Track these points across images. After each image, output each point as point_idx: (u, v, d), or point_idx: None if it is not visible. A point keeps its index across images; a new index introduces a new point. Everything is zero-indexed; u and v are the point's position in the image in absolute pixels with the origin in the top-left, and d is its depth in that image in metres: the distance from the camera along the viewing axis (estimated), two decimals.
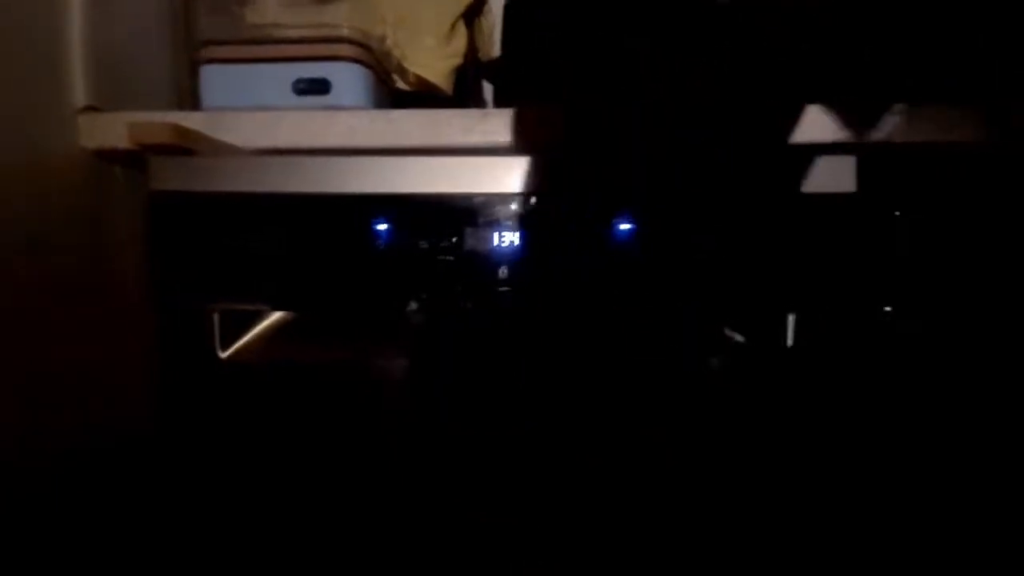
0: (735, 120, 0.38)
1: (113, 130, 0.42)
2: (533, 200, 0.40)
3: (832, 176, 0.41)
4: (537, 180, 0.40)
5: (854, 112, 0.42)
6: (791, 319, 0.43)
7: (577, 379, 0.39)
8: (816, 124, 0.43)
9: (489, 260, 0.41)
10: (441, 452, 0.42)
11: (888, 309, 0.44)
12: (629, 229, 0.41)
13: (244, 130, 0.44)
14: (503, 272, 0.41)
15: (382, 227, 0.41)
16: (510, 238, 0.41)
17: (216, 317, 0.42)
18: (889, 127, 0.42)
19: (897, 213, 0.43)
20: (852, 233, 0.41)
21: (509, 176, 0.40)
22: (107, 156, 0.44)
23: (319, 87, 0.48)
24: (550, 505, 0.43)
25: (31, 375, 0.39)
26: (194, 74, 0.50)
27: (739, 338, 0.46)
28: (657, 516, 0.43)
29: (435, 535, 0.43)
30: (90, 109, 0.43)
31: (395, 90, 0.56)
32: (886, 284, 0.44)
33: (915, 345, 0.43)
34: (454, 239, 0.40)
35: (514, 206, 0.41)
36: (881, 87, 0.40)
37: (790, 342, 0.43)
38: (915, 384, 0.43)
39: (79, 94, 0.43)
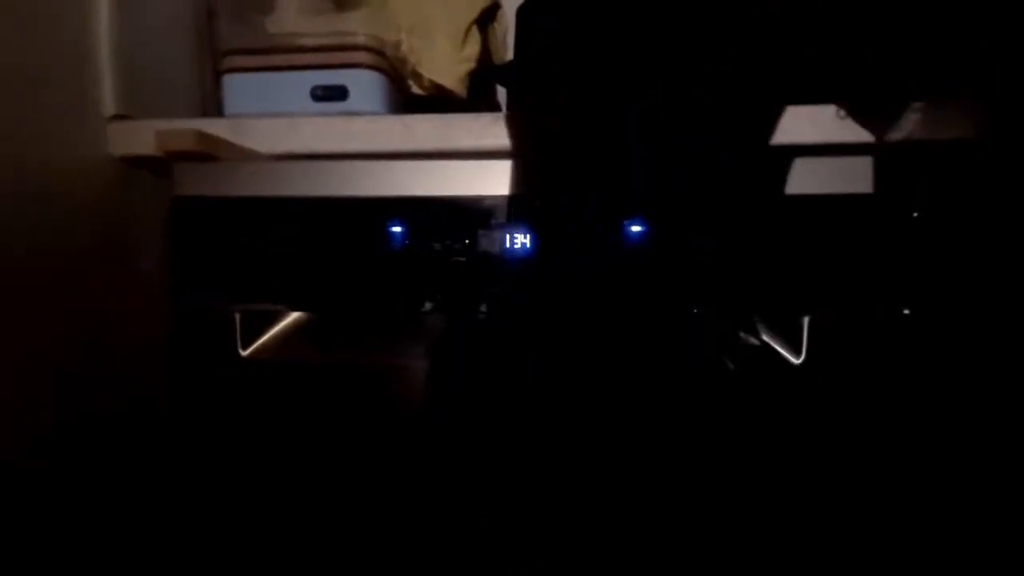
0: (737, 123, 0.38)
1: (140, 138, 0.44)
2: (536, 203, 0.41)
3: (848, 177, 0.40)
4: (540, 183, 0.41)
5: (869, 112, 0.42)
6: (807, 321, 0.42)
7: (583, 379, 0.39)
8: (829, 125, 0.42)
9: (500, 261, 0.41)
10: (451, 450, 0.43)
11: (907, 312, 0.43)
12: (636, 232, 0.41)
13: (265, 136, 0.45)
14: (514, 272, 0.41)
15: (397, 229, 0.41)
16: (521, 240, 0.41)
17: (238, 317, 0.43)
18: (906, 127, 0.41)
19: (915, 214, 0.43)
20: (869, 234, 0.40)
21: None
22: (134, 162, 0.46)
23: (336, 94, 0.49)
24: (558, 505, 0.44)
25: (55, 373, 0.40)
26: (217, 82, 0.51)
27: (754, 341, 0.46)
28: (661, 517, 0.43)
29: (443, 533, 0.43)
30: (119, 118, 0.45)
31: (410, 95, 0.57)
32: (905, 286, 0.43)
33: (935, 347, 0.42)
34: (467, 241, 0.41)
35: (525, 208, 0.41)
36: (893, 87, 0.39)
37: (806, 344, 0.42)
38: (935, 387, 0.42)
39: (108, 103, 0.44)
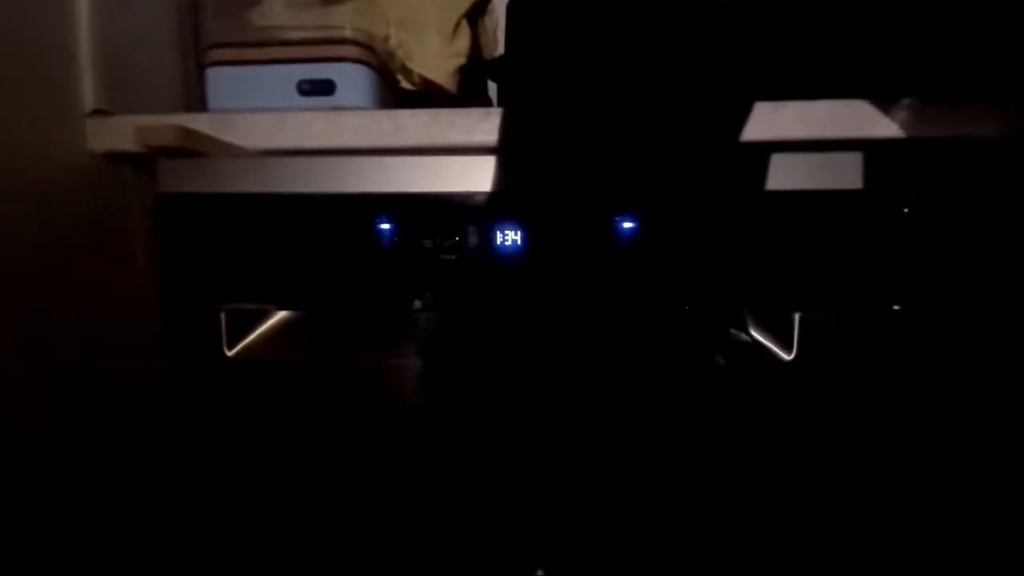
0: (733, 118, 0.38)
1: (121, 133, 0.43)
2: (527, 199, 0.41)
3: (838, 173, 0.40)
4: (531, 179, 0.41)
5: (862, 108, 0.42)
6: (797, 318, 0.42)
7: (574, 376, 0.39)
8: (819, 121, 0.42)
9: (491, 258, 0.41)
10: (440, 450, 0.43)
11: (897, 308, 0.43)
12: (626, 228, 0.41)
13: (250, 131, 0.45)
14: (505, 269, 0.41)
15: (386, 226, 0.41)
16: (512, 237, 0.41)
17: (223, 316, 0.42)
18: (896, 122, 0.42)
19: (905, 210, 0.43)
20: (859, 230, 0.41)
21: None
22: (116, 158, 0.45)
23: (324, 88, 0.48)
24: (551, 503, 0.44)
25: (39, 375, 0.40)
26: (201, 76, 0.50)
27: (745, 337, 0.46)
28: (653, 513, 0.43)
29: (436, 533, 0.43)
30: (99, 112, 0.44)
31: (399, 90, 0.56)
32: (895, 282, 0.43)
33: (924, 343, 0.43)
34: (457, 238, 0.41)
35: (516, 204, 0.41)
36: (888, 82, 0.40)
37: (797, 340, 0.42)
38: (925, 382, 0.42)
39: (88, 98, 0.43)
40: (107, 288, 0.46)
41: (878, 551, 0.42)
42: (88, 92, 0.44)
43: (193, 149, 0.41)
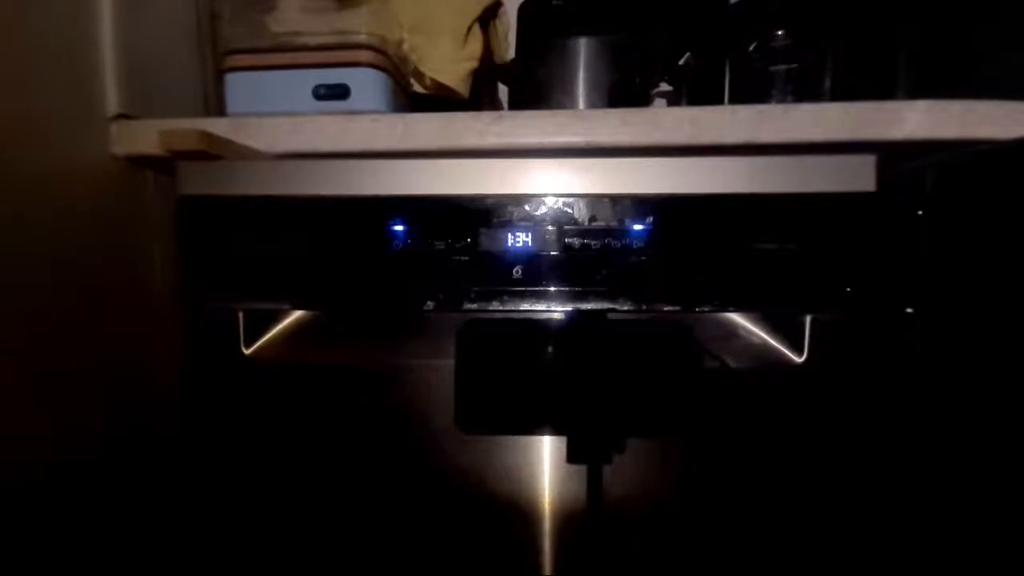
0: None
1: (144, 137, 0.44)
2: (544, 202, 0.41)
3: (852, 175, 0.40)
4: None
5: (875, 109, 0.42)
6: (808, 320, 0.42)
7: (585, 378, 0.39)
8: (832, 122, 0.42)
9: (503, 260, 0.41)
10: (451, 451, 0.43)
11: (910, 310, 0.43)
12: (638, 230, 0.41)
13: (267, 135, 0.46)
14: (517, 272, 0.41)
15: (399, 228, 0.41)
16: (523, 238, 0.41)
17: (241, 315, 0.43)
18: (910, 124, 0.41)
19: (919, 212, 0.42)
20: (872, 233, 0.40)
21: (523, 178, 0.41)
22: (138, 162, 0.46)
23: (338, 92, 0.49)
24: (564, 507, 0.44)
25: (61, 376, 0.41)
26: (219, 81, 0.51)
27: (756, 340, 0.45)
28: (663, 518, 0.44)
29: (449, 533, 0.44)
30: (122, 117, 0.45)
31: (412, 94, 0.57)
32: (908, 284, 0.43)
33: (938, 346, 0.42)
34: (468, 240, 0.41)
35: (527, 207, 0.41)
36: (900, 81, 0.39)
37: (808, 343, 0.42)
38: (938, 386, 0.42)
39: (111, 102, 0.45)
40: (128, 287, 0.47)
41: (892, 557, 0.42)
42: (111, 97, 0.45)
43: (214, 152, 0.42)
